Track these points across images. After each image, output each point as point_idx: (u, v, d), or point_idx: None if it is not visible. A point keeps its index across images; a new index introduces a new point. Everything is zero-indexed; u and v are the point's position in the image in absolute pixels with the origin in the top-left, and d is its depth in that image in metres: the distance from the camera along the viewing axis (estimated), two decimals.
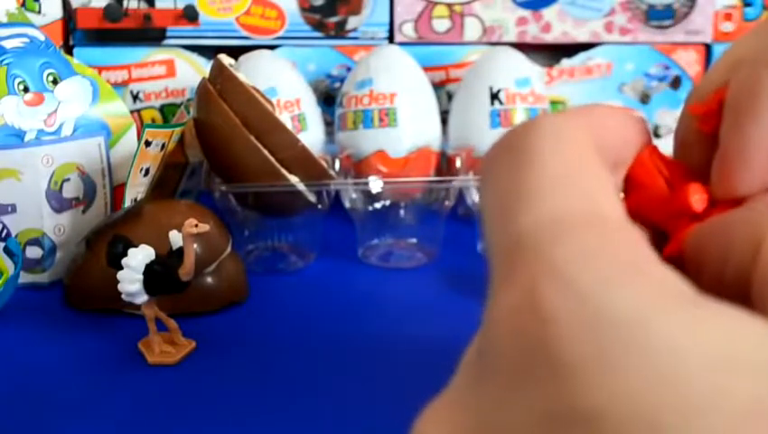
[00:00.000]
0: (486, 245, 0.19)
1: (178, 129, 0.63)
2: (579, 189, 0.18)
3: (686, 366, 0.15)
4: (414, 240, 0.69)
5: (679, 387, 0.15)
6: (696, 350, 0.15)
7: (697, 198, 0.22)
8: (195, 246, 0.52)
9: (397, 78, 0.73)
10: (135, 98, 0.81)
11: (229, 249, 0.60)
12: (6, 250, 0.59)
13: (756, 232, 0.19)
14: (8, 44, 0.63)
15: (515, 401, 0.16)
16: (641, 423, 0.14)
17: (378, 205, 0.68)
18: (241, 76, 0.63)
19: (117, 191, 0.65)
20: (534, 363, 0.16)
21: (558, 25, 0.82)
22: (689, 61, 0.82)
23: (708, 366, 0.15)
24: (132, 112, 0.78)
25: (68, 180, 0.63)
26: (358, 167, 0.72)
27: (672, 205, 0.22)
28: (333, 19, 0.82)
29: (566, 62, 0.83)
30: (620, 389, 0.15)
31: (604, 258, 0.16)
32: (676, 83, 0.82)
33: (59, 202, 0.63)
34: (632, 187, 0.22)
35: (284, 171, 0.62)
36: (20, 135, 0.61)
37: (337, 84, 0.81)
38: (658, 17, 0.82)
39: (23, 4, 0.76)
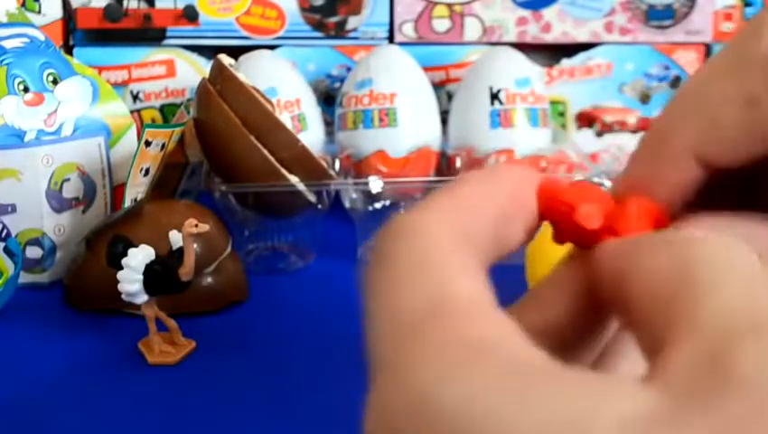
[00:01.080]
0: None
1: (178, 129, 0.63)
2: (427, 280, 0.18)
3: None
4: None
5: None
6: (528, 424, 0.15)
7: (586, 213, 0.21)
8: (195, 246, 0.52)
9: (397, 78, 0.73)
10: (135, 98, 0.81)
11: (229, 249, 0.60)
12: (6, 250, 0.59)
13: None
14: (8, 44, 0.63)
15: None
16: None
17: (378, 205, 0.68)
18: (241, 76, 0.63)
19: (117, 191, 0.65)
20: None
21: (558, 25, 0.82)
22: (689, 61, 0.82)
23: None
24: (132, 112, 0.78)
25: (68, 180, 0.63)
26: (358, 167, 0.72)
27: (576, 229, 0.21)
28: (333, 19, 0.82)
29: (566, 62, 0.83)
30: None
31: (441, 352, 0.17)
32: (676, 83, 0.82)
33: (59, 202, 0.63)
34: (555, 226, 0.22)
35: (284, 171, 0.62)
36: (20, 135, 0.61)
37: (337, 84, 0.81)
38: (658, 17, 0.82)
39: (23, 4, 0.76)
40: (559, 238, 0.22)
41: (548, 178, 0.22)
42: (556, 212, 0.22)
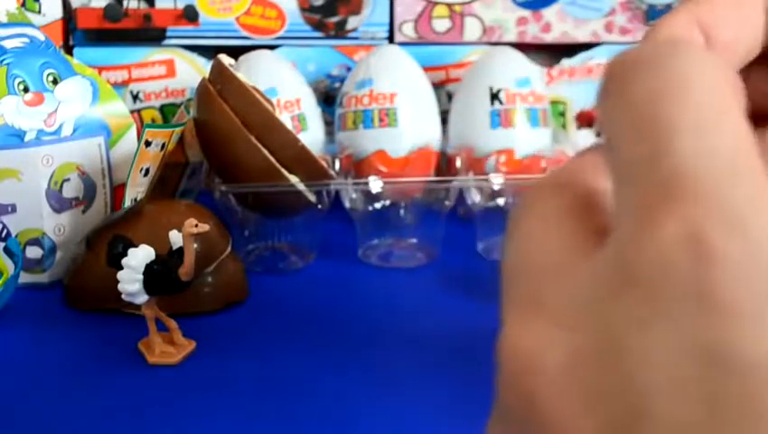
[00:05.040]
0: (610, 160, 0.19)
1: (178, 129, 0.63)
2: (733, 129, 0.17)
3: None
4: (414, 240, 0.69)
5: None
6: None
7: None
8: (195, 246, 0.52)
9: (397, 78, 0.73)
10: (135, 98, 0.81)
11: (229, 249, 0.60)
12: (6, 250, 0.59)
13: None
14: (8, 44, 0.63)
15: (663, 328, 0.15)
16: None
17: (378, 205, 0.68)
18: (241, 76, 0.63)
19: (117, 191, 0.65)
20: (692, 297, 0.15)
21: (558, 25, 0.82)
22: None
23: None
24: (132, 112, 0.78)
25: (68, 180, 0.63)
26: (358, 167, 0.71)
27: None
28: (333, 19, 0.82)
29: (566, 62, 0.83)
30: None
31: None
32: None
33: (59, 202, 0.63)
34: None
35: (284, 171, 0.62)
36: (20, 135, 0.61)
37: (337, 84, 0.81)
38: (658, 17, 0.82)
39: (23, 4, 0.76)
40: None
41: None
42: None
